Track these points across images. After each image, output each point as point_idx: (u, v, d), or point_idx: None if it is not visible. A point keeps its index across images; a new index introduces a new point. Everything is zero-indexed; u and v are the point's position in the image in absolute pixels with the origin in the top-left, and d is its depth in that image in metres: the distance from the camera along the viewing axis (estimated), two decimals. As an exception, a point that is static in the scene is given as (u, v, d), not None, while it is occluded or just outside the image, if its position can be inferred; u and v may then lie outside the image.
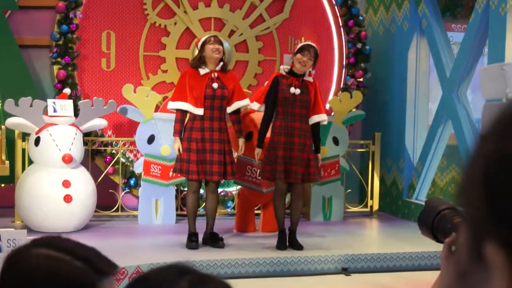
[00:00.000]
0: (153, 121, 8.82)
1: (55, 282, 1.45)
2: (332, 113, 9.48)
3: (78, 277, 1.47)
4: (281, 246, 7.56)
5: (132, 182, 9.29)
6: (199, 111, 7.45)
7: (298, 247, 7.54)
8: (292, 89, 7.50)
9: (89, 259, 1.51)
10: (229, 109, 7.64)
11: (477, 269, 0.91)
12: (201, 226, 7.61)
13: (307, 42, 7.83)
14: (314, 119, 7.63)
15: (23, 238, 4.90)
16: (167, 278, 1.26)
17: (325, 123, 7.79)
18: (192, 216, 7.57)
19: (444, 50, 9.26)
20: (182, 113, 7.53)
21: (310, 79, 7.65)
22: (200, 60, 7.54)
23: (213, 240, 7.58)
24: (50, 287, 1.45)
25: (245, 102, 7.71)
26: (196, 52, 7.84)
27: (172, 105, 7.58)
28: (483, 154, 0.92)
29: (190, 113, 7.50)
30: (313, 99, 7.61)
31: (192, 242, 7.49)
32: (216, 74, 7.54)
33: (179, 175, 7.89)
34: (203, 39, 7.62)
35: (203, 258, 7.02)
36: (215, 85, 7.48)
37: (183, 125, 7.55)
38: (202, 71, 7.51)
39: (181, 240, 7.63)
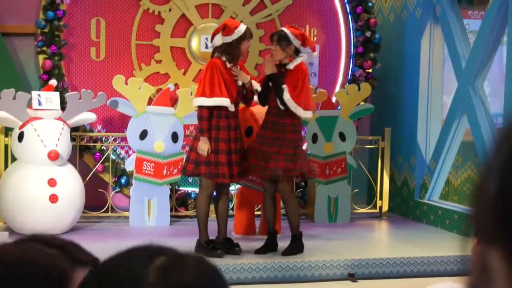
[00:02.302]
0: (145, 115, 8.79)
1: (26, 267, 1.47)
2: (339, 107, 9.46)
3: (49, 262, 1.48)
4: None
5: (123, 180, 9.26)
6: (233, 108, 7.35)
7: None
8: None
9: (64, 247, 1.53)
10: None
11: (483, 277, 0.99)
12: (191, 230, 7.59)
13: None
14: None
15: (5, 241, 4.86)
16: (130, 269, 1.20)
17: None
18: (206, 221, 7.47)
19: (459, 39, 9.22)
20: (210, 110, 7.30)
21: (291, 66, 7.46)
22: (238, 56, 7.35)
23: (229, 246, 7.51)
24: (21, 273, 1.47)
25: (255, 82, 7.63)
26: (218, 39, 7.36)
27: (209, 101, 7.21)
28: (495, 166, 0.99)
29: (216, 110, 7.29)
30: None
31: (217, 250, 7.36)
32: (239, 66, 7.48)
33: (210, 180, 7.41)
34: (240, 31, 7.30)
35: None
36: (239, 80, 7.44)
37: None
38: (229, 64, 7.34)
39: (177, 244, 7.57)
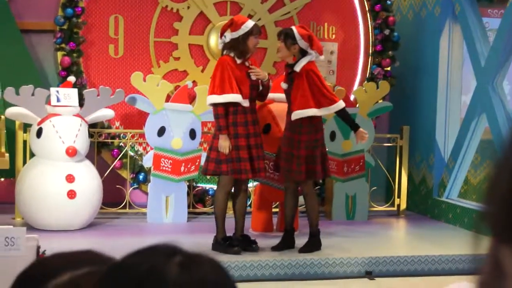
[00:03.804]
0: (164, 111, 8.79)
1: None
2: (357, 105, 9.43)
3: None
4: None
5: (141, 177, 9.29)
6: (247, 103, 7.33)
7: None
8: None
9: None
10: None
11: (496, 276, 0.97)
12: (209, 227, 7.59)
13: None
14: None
15: (22, 236, 4.87)
16: (152, 265, 1.19)
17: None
18: (223, 218, 7.46)
19: (479, 38, 9.18)
20: (225, 107, 7.28)
21: (297, 68, 7.35)
22: (245, 52, 7.30)
23: (246, 242, 7.50)
24: None
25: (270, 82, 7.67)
26: (228, 35, 7.32)
27: (220, 98, 7.20)
28: (509, 163, 0.99)
29: (231, 106, 7.27)
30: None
31: (234, 246, 7.37)
32: (250, 62, 7.47)
33: (233, 176, 7.36)
34: (247, 27, 7.28)
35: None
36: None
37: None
38: (238, 60, 7.33)
39: (193, 240, 7.59)
